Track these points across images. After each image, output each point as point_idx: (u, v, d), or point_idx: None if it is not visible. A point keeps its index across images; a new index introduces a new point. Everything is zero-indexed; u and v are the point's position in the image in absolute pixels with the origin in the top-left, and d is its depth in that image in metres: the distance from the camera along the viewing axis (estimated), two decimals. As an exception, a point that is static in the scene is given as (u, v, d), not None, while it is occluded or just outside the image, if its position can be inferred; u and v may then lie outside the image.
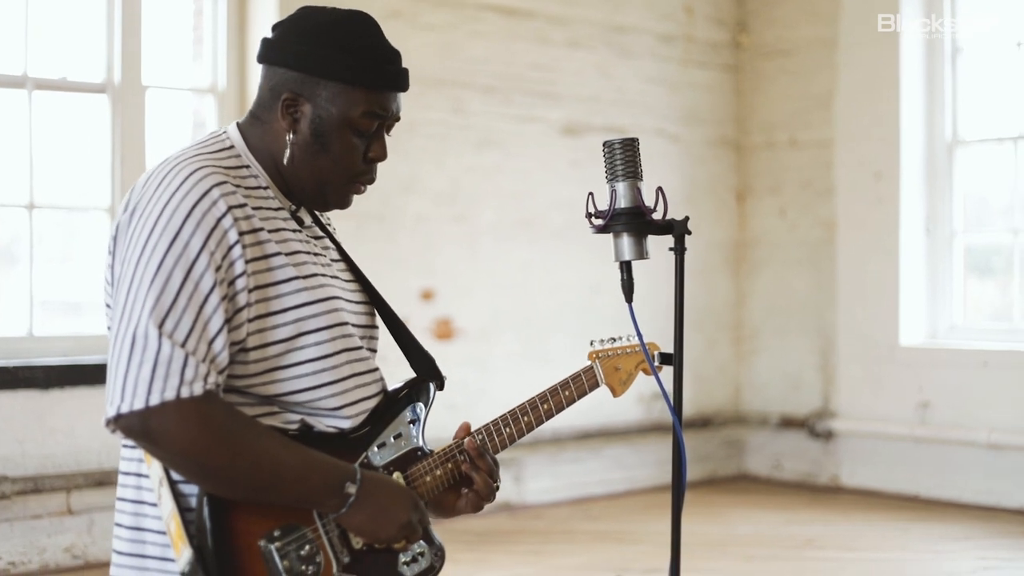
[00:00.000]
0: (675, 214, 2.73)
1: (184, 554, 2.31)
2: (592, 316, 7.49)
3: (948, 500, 7.22)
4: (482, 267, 7.09)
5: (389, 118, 2.57)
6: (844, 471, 7.72)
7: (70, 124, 6.17)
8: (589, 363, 2.90)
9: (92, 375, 5.71)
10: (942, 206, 7.53)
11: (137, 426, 2.28)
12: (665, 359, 2.80)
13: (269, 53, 2.56)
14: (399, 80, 2.56)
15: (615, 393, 2.91)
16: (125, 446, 2.51)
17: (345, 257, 2.73)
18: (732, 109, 8.19)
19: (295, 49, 2.52)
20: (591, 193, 2.66)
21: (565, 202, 7.39)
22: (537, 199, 7.31)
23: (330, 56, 2.49)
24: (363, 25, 2.55)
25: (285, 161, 2.53)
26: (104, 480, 5.69)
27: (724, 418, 8.06)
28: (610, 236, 2.73)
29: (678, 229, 2.63)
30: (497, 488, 2.72)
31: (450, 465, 2.68)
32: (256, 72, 6.24)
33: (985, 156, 7.56)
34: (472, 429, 2.75)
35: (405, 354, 2.75)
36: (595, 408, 7.15)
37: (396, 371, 2.90)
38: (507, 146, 7.15)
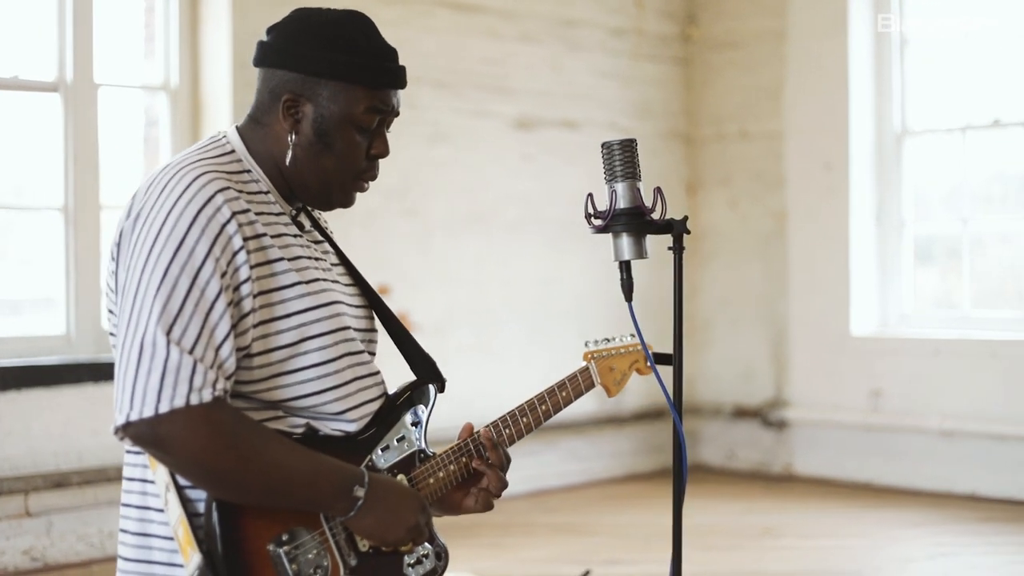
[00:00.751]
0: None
1: (193, 559, 2.31)
2: (546, 309, 7.51)
3: (901, 487, 7.30)
4: (435, 262, 7.09)
5: (390, 113, 2.58)
6: (798, 460, 7.79)
7: (22, 123, 6.10)
8: (585, 364, 2.91)
9: (48, 376, 5.66)
10: (891, 196, 7.61)
11: (147, 434, 2.27)
12: (661, 359, 2.82)
13: (266, 56, 2.55)
14: (398, 77, 2.58)
15: (609, 393, 2.93)
16: (129, 452, 2.49)
17: (344, 260, 2.73)
18: (682, 102, 8.23)
19: (294, 51, 2.51)
20: (590, 194, 2.67)
21: (518, 196, 7.40)
22: (489, 193, 7.31)
23: (330, 56, 2.49)
24: (360, 24, 2.56)
25: (288, 162, 2.52)
26: (62, 482, 5.63)
27: (677, 409, 8.09)
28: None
29: (677, 228, 2.65)
30: (505, 485, 2.72)
31: (453, 467, 2.68)
32: (209, 69, 6.26)
33: (933, 146, 7.64)
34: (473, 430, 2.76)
35: (405, 356, 2.75)
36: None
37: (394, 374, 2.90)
38: (459, 140, 7.15)
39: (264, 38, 2.58)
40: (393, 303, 6.82)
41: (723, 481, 7.80)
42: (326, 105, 2.51)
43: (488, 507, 2.73)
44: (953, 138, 7.51)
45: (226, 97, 6.23)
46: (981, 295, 7.48)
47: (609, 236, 2.70)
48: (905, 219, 7.60)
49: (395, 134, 7.18)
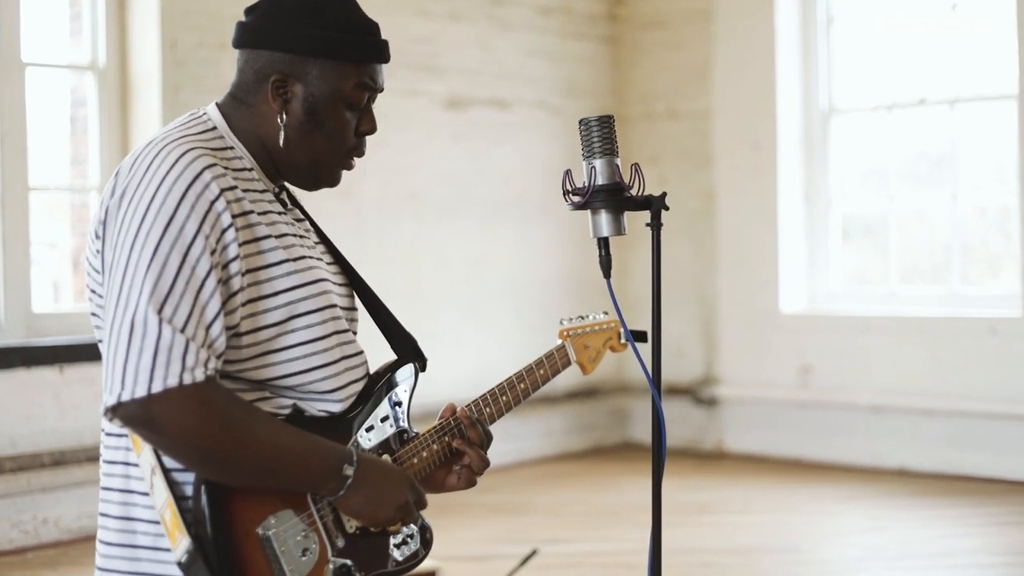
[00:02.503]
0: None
1: (181, 543, 2.28)
2: (478, 290, 7.50)
3: (832, 463, 7.38)
4: (368, 243, 7.05)
5: (377, 89, 2.57)
6: (729, 437, 7.85)
7: (-53, 103, 5.98)
8: (560, 341, 2.92)
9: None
10: (818, 174, 7.68)
11: (139, 414, 2.23)
12: (637, 336, 2.83)
13: (249, 36, 2.51)
14: (383, 51, 2.57)
15: (585, 371, 2.95)
16: (109, 434, 2.45)
17: (324, 239, 2.70)
18: (611, 81, 8.24)
19: (278, 30, 2.48)
20: (568, 171, 2.66)
21: (450, 175, 7.38)
22: (422, 173, 7.29)
23: (316, 34, 2.47)
24: (343, 1, 2.53)
25: (280, 143, 2.50)
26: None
27: (609, 387, 8.13)
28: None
29: (656, 205, 2.65)
30: (487, 462, 2.72)
31: (436, 446, 2.67)
32: (137, 48, 6.17)
33: (859, 125, 7.72)
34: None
35: (386, 336, 2.73)
36: (481, 380, 7.15)
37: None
38: (390, 120, 7.10)
39: (243, 18, 2.54)
40: (326, 284, 6.77)
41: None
42: (315, 84, 2.49)
43: (471, 484, 2.73)
44: (879, 116, 7.59)
45: (155, 76, 6.15)
46: (907, 272, 7.58)
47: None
48: (832, 197, 7.67)
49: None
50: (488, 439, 2.74)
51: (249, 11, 2.54)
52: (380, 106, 7.45)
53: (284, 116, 2.49)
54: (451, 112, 7.40)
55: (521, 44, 7.75)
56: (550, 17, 7.90)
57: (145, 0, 6.17)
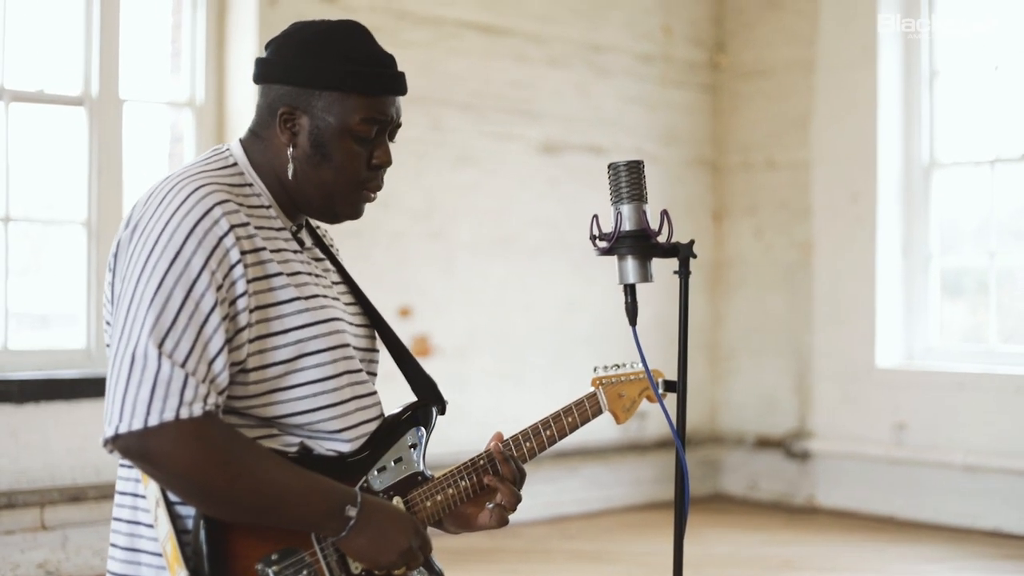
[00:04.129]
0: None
1: (179, 577, 2.28)
2: (567, 335, 7.48)
3: (924, 521, 7.22)
4: (459, 285, 7.06)
5: (389, 123, 2.55)
6: (820, 492, 7.72)
7: (47, 137, 6.12)
8: (592, 389, 2.87)
9: (67, 389, 5.66)
10: (918, 228, 7.55)
11: (135, 447, 2.24)
12: (669, 386, 2.78)
13: (263, 71, 2.54)
14: (395, 84, 2.54)
15: (618, 420, 2.90)
16: (122, 466, 2.47)
17: (347, 279, 2.70)
18: (710, 129, 8.20)
19: (287, 63, 2.50)
20: (595, 215, 2.64)
21: (542, 220, 7.38)
22: (514, 217, 7.29)
23: (322, 66, 2.48)
24: (353, 33, 2.54)
25: (290, 175, 2.50)
26: (79, 496, 5.63)
27: (700, 438, 8.05)
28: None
29: (683, 252, 2.60)
30: (519, 499, 2.69)
31: (452, 490, 2.64)
32: (234, 86, 6.27)
33: (961, 179, 7.59)
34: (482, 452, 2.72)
35: (406, 377, 2.72)
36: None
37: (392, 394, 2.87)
38: (484, 163, 7.13)
39: (263, 54, 2.56)
40: (415, 326, 6.80)
41: (745, 512, 7.74)
42: (321, 116, 2.49)
43: (503, 522, 2.70)
44: (981, 171, 7.45)
45: (251, 114, 6.22)
46: (1008, 330, 7.41)
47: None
48: (932, 252, 7.53)
49: (420, 156, 7.20)
50: (521, 477, 2.71)
51: (267, 46, 2.57)
52: (474, 149, 7.48)
53: (292, 148, 2.50)
54: (546, 157, 7.40)
55: (619, 91, 7.74)
56: (650, 64, 7.88)
57: (244, 39, 6.27)
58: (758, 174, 8.05)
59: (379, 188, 2.59)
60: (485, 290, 7.16)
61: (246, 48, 6.25)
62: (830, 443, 7.66)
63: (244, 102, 6.27)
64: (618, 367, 2.91)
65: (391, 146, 2.59)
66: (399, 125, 2.58)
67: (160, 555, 2.37)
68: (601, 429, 7.40)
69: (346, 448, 2.50)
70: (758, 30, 8.07)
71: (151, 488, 2.36)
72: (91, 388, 5.72)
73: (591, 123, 7.60)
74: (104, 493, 5.67)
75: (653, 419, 7.65)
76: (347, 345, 2.50)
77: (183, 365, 2.25)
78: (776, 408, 7.89)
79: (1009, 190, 7.39)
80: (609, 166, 2.65)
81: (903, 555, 6.58)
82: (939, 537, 6.94)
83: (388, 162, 2.57)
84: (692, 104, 8.11)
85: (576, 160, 7.52)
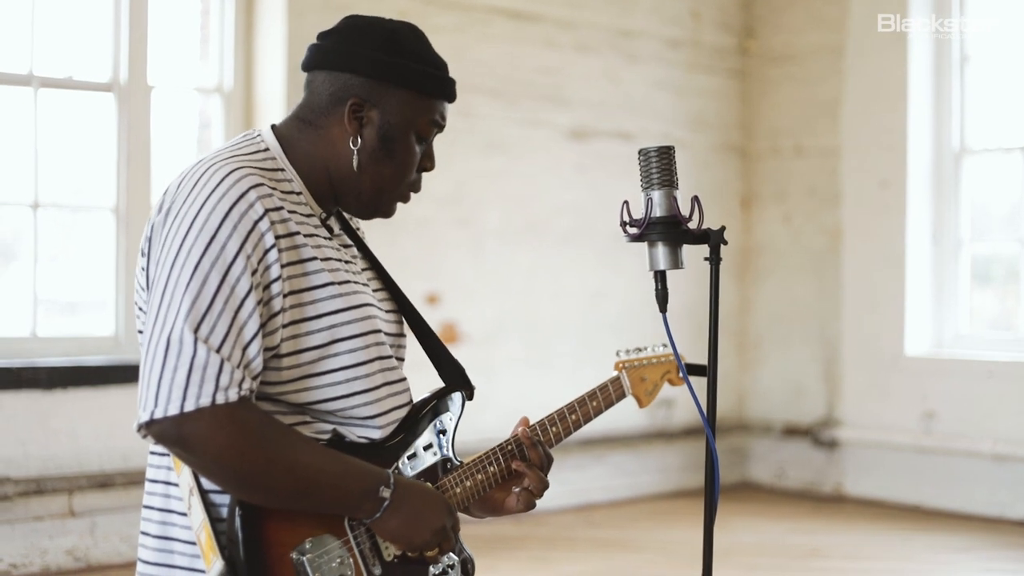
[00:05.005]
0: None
1: (215, 565, 2.28)
2: (596, 322, 7.46)
3: (952, 510, 7.19)
4: (487, 271, 7.05)
5: (443, 127, 2.59)
6: (848, 480, 7.69)
7: (75, 123, 6.13)
8: (616, 373, 2.88)
9: (95, 376, 5.68)
10: (949, 215, 7.50)
11: (171, 432, 2.23)
12: (694, 370, 2.77)
13: (326, 59, 2.51)
14: (454, 90, 2.59)
15: (641, 404, 2.91)
16: (153, 453, 2.47)
17: (375, 265, 2.70)
18: (738, 115, 8.16)
19: (362, 55, 2.48)
20: (626, 201, 2.63)
21: (571, 207, 7.36)
22: (543, 203, 7.28)
23: (403, 64, 2.48)
24: (420, 35, 2.56)
25: (355, 167, 2.49)
26: (106, 482, 5.65)
27: (728, 425, 8.02)
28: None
29: (714, 239, 2.59)
30: (547, 485, 2.70)
31: (480, 476, 2.65)
32: (263, 72, 6.26)
33: (992, 165, 7.54)
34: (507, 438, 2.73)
35: (434, 363, 2.72)
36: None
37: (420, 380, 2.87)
38: (513, 150, 7.12)
39: (317, 42, 2.55)
40: (443, 312, 6.79)
41: (772, 500, 7.72)
42: (393, 112, 2.49)
43: (530, 506, 2.71)
44: (1012, 157, 7.40)
45: (280, 100, 6.24)
46: (1038, 317, 7.37)
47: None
48: (962, 239, 7.49)
49: (449, 143, 7.20)
50: (548, 461, 2.72)
51: (324, 35, 2.55)
52: (503, 135, 7.50)
53: (358, 140, 2.49)
54: (575, 143, 7.38)
55: (648, 76, 7.71)
56: (678, 50, 7.85)
57: (272, 25, 6.27)
58: (787, 160, 8.01)
59: (418, 191, 2.62)
60: (513, 277, 7.15)
61: (274, 34, 6.25)
62: (858, 431, 7.63)
63: (273, 87, 6.27)
64: (640, 350, 2.92)
65: None
66: (443, 129, 2.60)
67: (193, 543, 2.38)
68: (628, 416, 7.41)
69: (377, 434, 2.50)
70: (787, 15, 8.03)
71: (184, 476, 2.36)
72: (119, 375, 5.74)
73: (620, 109, 7.57)
74: (132, 480, 5.69)
75: (681, 406, 7.62)
76: (379, 331, 2.51)
77: (218, 350, 2.25)
78: (804, 396, 7.86)
79: (1040, 177, 7.35)
80: (640, 152, 2.64)
81: (931, 544, 6.56)
82: (968, 527, 6.91)
83: (433, 166, 2.62)
84: (720, 89, 8.08)
85: (604, 146, 7.50)
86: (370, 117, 2.49)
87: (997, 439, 7.03)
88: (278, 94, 6.25)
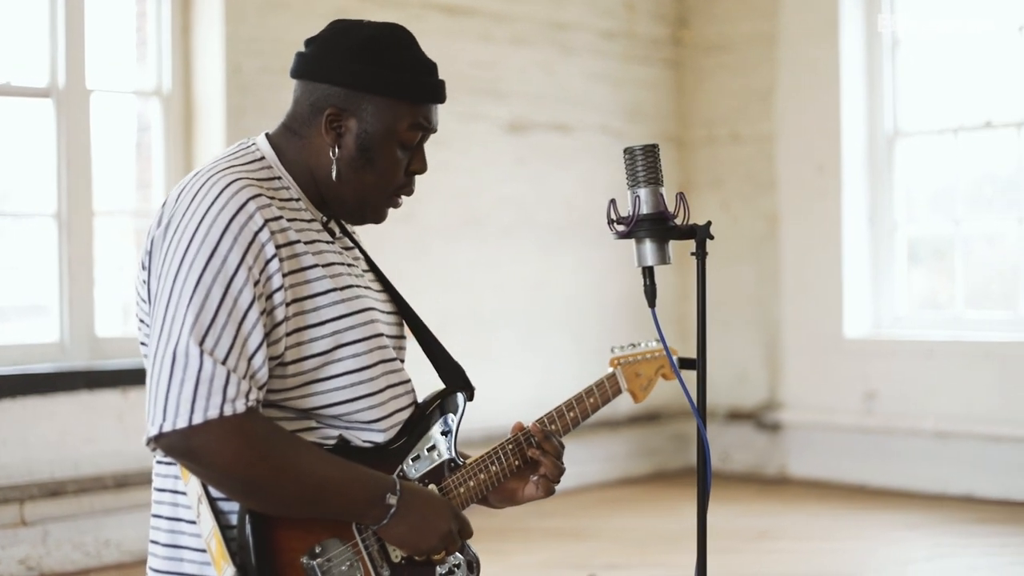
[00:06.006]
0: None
1: (226, 572, 2.30)
2: (538, 313, 7.50)
3: (896, 489, 7.30)
4: (430, 266, 7.06)
5: (430, 129, 2.57)
6: (792, 462, 7.78)
7: (14, 129, 6.07)
8: (611, 370, 2.93)
9: (42, 384, 5.64)
10: (884, 198, 7.61)
11: (180, 445, 2.26)
12: (686, 364, 2.82)
13: (307, 68, 2.53)
14: (440, 91, 2.57)
15: (636, 399, 2.97)
16: (160, 463, 2.48)
17: (373, 267, 2.72)
18: (674, 105, 8.22)
19: (337, 64, 2.49)
20: (612, 200, 2.66)
21: (511, 199, 7.39)
22: (483, 197, 7.30)
23: (375, 71, 2.48)
24: (403, 38, 2.55)
25: (333, 177, 2.50)
26: (58, 490, 5.60)
27: (672, 412, 8.08)
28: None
29: (700, 234, 2.64)
30: (563, 470, 2.76)
31: (483, 476, 2.69)
32: (201, 74, 6.22)
33: (925, 148, 7.65)
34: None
35: (434, 364, 2.75)
36: (540, 404, 7.14)
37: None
38: (452, 144, 7.12)
39: (303, 49, 2.56)
40: (387, 308, 6.79)
41: (717, 484, 7.74)
42: (370, 121, 2.49)
43: (550, 492, 2.79)
44: (945, 139, 7.52)
45: (219, 101, 6.20)
46: (973, 296, 7.49)
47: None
48: (897, 220, 7.60)
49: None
50: (561, 448, 2.77)
51: (309, 42, 2.55)
52: (442, 130, 7.48)
53: (336, 150, 2.50)
54: (513, 136, 7.40)
55: (584, 68, 7.75)
56: (613, 41, 7.89)
57: (209, 26, 6.23)
58: (723, 148, 8.09)
59: (410, 194, 2.62)
60: (455, 271, 7.17)
61: (212, 35, 6.21)
62: (801, 414, 7.73)
63: (212, 89, 6.23)
64: (634, 346, 2.97)
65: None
66: (435, 131, 2.59)
67: (203, 551, 2.39)
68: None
69: (381, 438, 2.53)
70: (720, 5, 8.10)
71: (192, 484, 2.38)
72: (67, 382, 5.70)
73: (557, 101, 7.61)
74: (83, 487, 5.66)
75: (624, 396, 7.66)
76: (381, 335, 2.54)
77: (224, 362, 2.27)
78: (746, 380, 7.94)
79: (973, 158, 7.46)
80: (625, 150, 2.68)
81: (877, 523, 6.65)
82: (912, 504, 7.02)
83: (424, 169, 2.60)
84: (656, 80, 8.13)
85: (543, 139, 7.53)
86: (348, 126, 2.50)
87: (939, 417, 7.15)
88: (217, 96, 6.21)
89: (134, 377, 5.85)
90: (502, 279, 7.37)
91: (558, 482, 2.77)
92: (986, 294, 7.52)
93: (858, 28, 7.56)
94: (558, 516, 6.89)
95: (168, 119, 6.27)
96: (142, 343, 2.50)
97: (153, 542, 2.48)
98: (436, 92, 2.56)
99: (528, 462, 2.74)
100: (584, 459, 7.64)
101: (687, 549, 6.03)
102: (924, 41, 7.59)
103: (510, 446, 2.74)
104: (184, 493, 2.42)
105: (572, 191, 7.63)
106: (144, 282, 2.46)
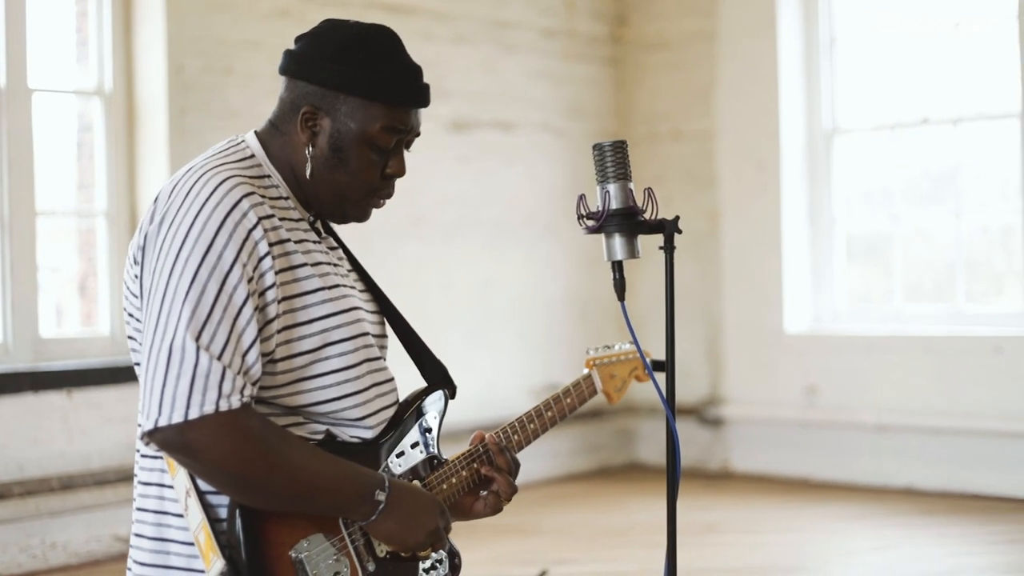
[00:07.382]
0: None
1: (216, 565, 2.32)
2: (484, 311, 7.51)
3: (839, 482, 7.38)
4: (375, 266, 6.97)
5: (408, 133, 2.58)
6: (735, 457, 7.85)
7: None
8: (587, 371, 2.98)
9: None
10: (822, 194, 7.69)
11: (175, 439, 2.27)
12: (658, 366, 2.86)
13: (291, 65, 2.54)
14: (419, 96, 2.57)
15: (611, 400, 3.01)
16: (144, 456, 2.49)
17: (357, 267, 2.73)
18: (614, 102, 8.27)
19: (316, 63, 2.51)
20: (582, 195, 2.68)
21: (455, 198, 7.40)
22: (427, 196, 7.30)
23: (351, 71, 2.48)
24: (385, 40, 2.55)
25: (307, 174, 2.52)
26: (3, 493, 5.64)
27: (615, 408, 8.12)
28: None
29: (669, 228, 2.67)
30: (515, 489, 2.76)
31: (465, 472, 2.73)
32: (143, 73, 6.19)
33: (863, 144, 7.74)
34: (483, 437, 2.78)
35: (416, 363, 2.79)
36: (487, 402, 7.18)
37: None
38: (395, 143, 7.11)
39: (292, 46, 2.57)
40: (332, 307, 6.78)
41: (661, 479, 7.82)
42: (343, 121, 2.50)
43: (498, 510, 2.79)
44: (882, 136, 7.61)
45: (161, 101, 6.17)
46: (911, 291, 7.59)
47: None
48: (836, 217, 7.69)
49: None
50: (516, 466, 2.78)
51: (298, 40, 2.57)
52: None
53: (311, 148, 2.51)
54: (456, 135, 7.42)
55: (525, 66, 7.78)
56: (553, 40, 7.93)
57: (151, 26, 6.19)
58: (663, 145, 8.14)
59: (390, 196, 2.63)
60: (400, 270, 7.17)
61: (154, 35, 6.18)
62: (743, 409, 7.80)
63: (154, 89, 6.20)
64: (608, 347, 3.02)
65: (406, 155, 2.63)
66: (418, 135, 2.59)
67: (190, 544, 2.41)
68: (514, 403, 7.46)
69: (367, 434, 2.55)
70: (659, 3, 8.15)
71: (179, 478, 2.39)
72: (10, 384, 5.66)
73: (498, 99, 7.63)
74: (29, 489, 5.62)
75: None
76: (367, 333, 2.57)
77: (220, 358, 2.29)
78: (688, 376, 7.99)
79: (910, 154, 7.56)
80: (594, 147, 2.72)
81: (820, 515, 6.73)
82: (854, 496, 7.10)
83: (402, 173, 2.60)
84: (596, 77, 8.17)
85: (485, 137, 7.55)
86: (322, 125, 2.51)
87: (879, 410, 7.24)
88: (160, 95, 6.18)
89: (78, 378, 5.82)
90: (447, 278, 7.38)
91: (509, 500, 2.77)
92: (924, 289, 7.62)
93: (796, 26, 7.64)
94: (506, 513, 6.76)
95: (110, 119, 6.23)
96: (130, 337, 2.50)
97: (138, 535, 2.49)
98: (416, 96, 2.56)
99: (482, 478, 2.75)
100: (529, 455, 7.62)
101: (635, 543, 6.14)
102: (861, 38, 7.68)
103: (481, 448, 2.77)
104: (171, 486, 2.44)
105: (516, 189, 7.65)
106: (136, 277, 2.47)
